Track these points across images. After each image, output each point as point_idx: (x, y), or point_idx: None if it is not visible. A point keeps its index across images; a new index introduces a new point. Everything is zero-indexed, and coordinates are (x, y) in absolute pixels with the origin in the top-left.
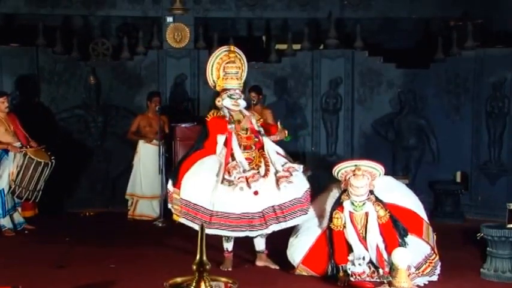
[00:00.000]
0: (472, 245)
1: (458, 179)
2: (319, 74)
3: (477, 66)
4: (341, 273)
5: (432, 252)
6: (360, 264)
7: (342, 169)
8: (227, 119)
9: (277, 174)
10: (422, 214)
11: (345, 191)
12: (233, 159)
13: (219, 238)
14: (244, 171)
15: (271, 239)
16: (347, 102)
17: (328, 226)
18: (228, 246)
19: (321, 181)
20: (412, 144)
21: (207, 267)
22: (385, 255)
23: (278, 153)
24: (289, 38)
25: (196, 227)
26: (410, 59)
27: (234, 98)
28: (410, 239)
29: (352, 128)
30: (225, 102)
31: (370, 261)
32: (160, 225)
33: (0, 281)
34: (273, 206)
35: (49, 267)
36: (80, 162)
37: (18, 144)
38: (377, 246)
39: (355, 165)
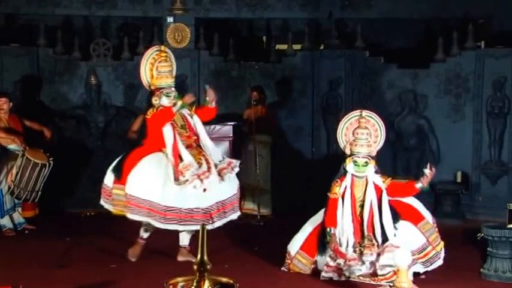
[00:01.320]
0: (473, 245)
1: (459, 179)
2: (320, 74)
3: (477, 67)
4: (328, 238)
5: (428, 244)
6: (341, 246)
7: (347, 121)
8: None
9: (219, 167)
10: (427, 215)
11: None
12: (181, 159)
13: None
14: (196, 169)
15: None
16: (347, 102)
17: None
18: (144, 235)
19: (322, 181)
20: (413, 145)
21: (208, 267)
22: (377, 229)
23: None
24: (290, 38)
25: (153, 223)
26: (410, 59)
27: (170, 96)
28: (403, 224)
29: None
30: (162, 100)
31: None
32: None
33: (0, 281)
34: (217, 202)
35: (49, 267)
36: (81, 162)
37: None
38: (370, 220)
39: (360, 115)
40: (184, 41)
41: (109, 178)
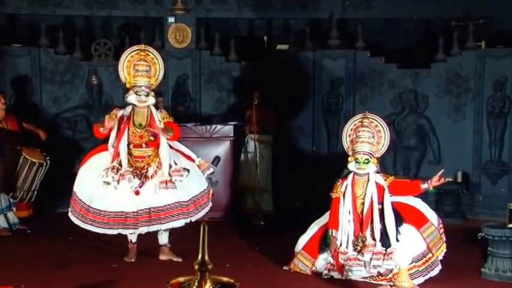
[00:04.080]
0: (473, 245)
1: (459, 179)
2: (321, 74)
3: (478, 66)
4: (328, 240)
5: (428, 251)
6: (341, 244)
7: (352, 122)
8: (123, 113)
9: (160, 178)
10: (431, 217)
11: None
12: (120, 163)
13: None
14: (117, 170)
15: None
16: (348, 102)
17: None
18: (132, 238)
19: (322, 181)
20: (413, 144)
21: (209, 266)
22: (376, 228)
23: (181, 153)
24: (291, 38)
25: (73, 219)
26: (411, 59)
27: (139, 95)
28: (406, 227)
29: None
30: (129, 98)
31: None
32: None
33: (0, 281)
34: (149, 208)
35: (50, 266)
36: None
37: None
38: (370, 218)
39: (363, 115)
40: (185, 41)
41: None
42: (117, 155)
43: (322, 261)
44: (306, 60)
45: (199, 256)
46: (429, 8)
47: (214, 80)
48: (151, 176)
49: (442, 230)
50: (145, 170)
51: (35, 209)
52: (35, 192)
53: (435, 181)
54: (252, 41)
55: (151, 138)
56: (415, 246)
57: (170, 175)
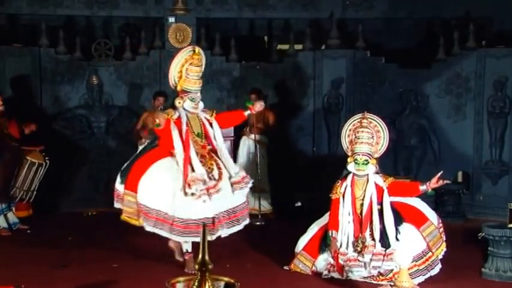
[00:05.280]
0: (473, 245)
1: (460, 179)
2: (321, 74)
3: (478, 66)
4: (328, 242)
5: (427, 250)
6: (341, 245)
7: (350, 123)
8: (181, 119)
9: (232, 180)
10: (431, 217)
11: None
12: (192, 169)
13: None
14: (204, 182)
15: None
16: (349, 102)
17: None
18: (188, 247)
19: (322, 181)
20: (414, 144)
21: (209, 266)
22: (376, 228)
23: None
24: (291, 38)
25: (162, 233)
26: (411, 59)
27: (194, 101)
28: (406, 227)
29: None
30: (186, 104)
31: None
32: None
33: (0, 281)
34: (227, 210)
35: (51, 266)
36: (83, 162)
37: None
38: (369, 219)
39: (362, 115)
40: (185, 41)
41: (119, 183)
42: (187, 163)
43: (323, 262)
44: (306, 60)
45: (200, 256)
46: (429, 8)
47: (214, 80)
48: (219, 179)
49: (441, 229)
50: (216, 181)
51: (34, 209)
52: (35, 192)
53: (434, 183)
54: (252, 41)
55: (209, 147)
56: (415, 245)
57: (244, 181)
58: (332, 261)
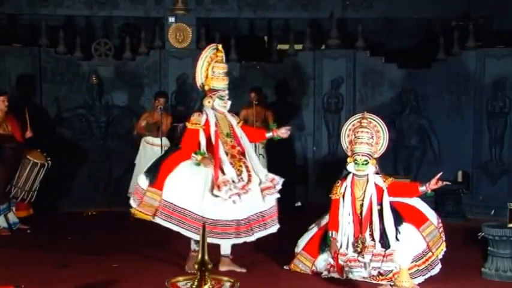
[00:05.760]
0: (473, 245)
1: (460, 179)
2: (321, 74)
3: (478, 66)
4: (329, 242)
5: (427, 249)
6: (341, 246)
7: (350, 123)
8: (209, 120)
9: (261, 185)
10: (431, 216)
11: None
12: (221, 171)
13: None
14: (234, 185)
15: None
16: (348, 102)
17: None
18: (196, 246)
19: (322, 181)
20: (414, 144)
21: (209, 266)
22: (376, 229)
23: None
24: (291, 38)
25: (182, 231)
26: (411, 59)
27: (223, 99)
28: (406, 227)
29: None
30: (216, 103)
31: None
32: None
33: (0, 281)
34: (257, 213)
35: (51, 266)
36: (83, 162)
37: None
38: (369, 219)
39: (362, 115)
40: (185, 41)
41: (143, 180)
42: (218, 165)
43: (322, 262)
44: (306, 60)
45: (199, 256)
46: (429, 8)
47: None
48: (249, 181)
49: (441, 229)
50: (245, 182)
51: (35, 209)
52: (35, 193)
53: (433, 184)
54: (252, 41)
55: (238, 147)
56: (415, 245)
57: (273, 183)
58: (332, 262)
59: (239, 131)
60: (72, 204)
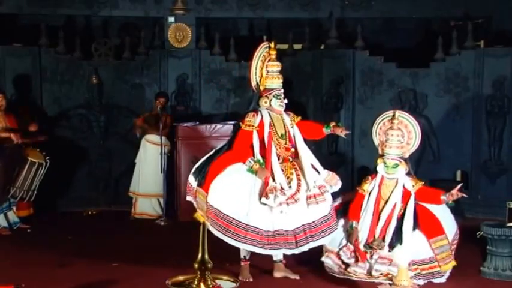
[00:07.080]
0: (472, 244)
1: (459, 178)
2: (320, 73)
3: (477, 66)
4: (349, 231)
5: (434, 259)
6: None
7: (380, 121)
8: (264, 121)
9: (308, 193)
10: (448, 231)
11: (379, 157)
12: (272, 178)
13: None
14: (284, 193)
15: None
16: (348, 101)
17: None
18: (246, 254)
19: None
20: None
21: (209, 265)
22: (389, 235)
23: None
24: (290, 38)
25: (227, 240)
26: (410, 58)
27: (279, 98)
28: (416, 234)
29: (352, 127)
30: (273, 103)
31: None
32: (162, 223)
33: (1, 280)
34: (303, 225)
35: (51, 266)
36: (83, 162)
37: None
38: (387, 221)
39: (393, 114)
40: (185, 41)
41: (192, 180)
42: (269, 169)
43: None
44: (305, 59)
45: (199, 255)
46: (429, 7)
47: (214, 80)
48: (297, 191)
49: (454, 247)
50: (294, 192)
51: (35, 209)
52: (35, 192)
53: (454, 194)
54: (252, 40)
55: (293, 149)
56: (420, 250)
57: (320, 190)
58: (343, 257)
59: (293, 131)
60: (72, 204)
